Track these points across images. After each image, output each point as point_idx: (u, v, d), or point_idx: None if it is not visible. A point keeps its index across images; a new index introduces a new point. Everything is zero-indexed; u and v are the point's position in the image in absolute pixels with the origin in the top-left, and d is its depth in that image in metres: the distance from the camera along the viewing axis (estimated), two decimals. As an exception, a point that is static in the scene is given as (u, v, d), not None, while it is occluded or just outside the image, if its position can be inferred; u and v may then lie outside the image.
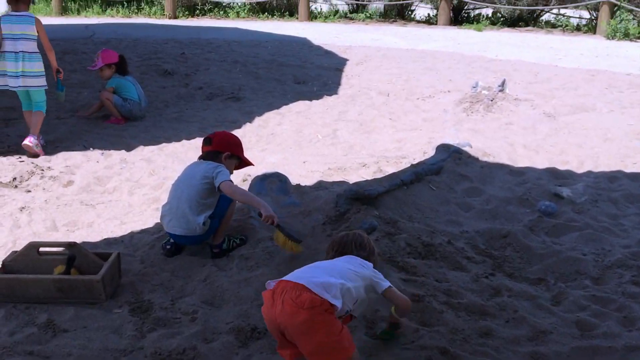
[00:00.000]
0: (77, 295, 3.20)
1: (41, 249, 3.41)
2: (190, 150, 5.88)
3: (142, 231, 4.24)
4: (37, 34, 5.73)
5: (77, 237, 4.14)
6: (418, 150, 5.56)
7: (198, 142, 6.09)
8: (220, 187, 3.58)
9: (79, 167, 5.40)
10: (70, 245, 3.36)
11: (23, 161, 5.42)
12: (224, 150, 3.81)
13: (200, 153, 3.90)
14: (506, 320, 2.99)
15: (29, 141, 5.57)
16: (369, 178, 4.82)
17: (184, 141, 6.19)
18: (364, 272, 2.61)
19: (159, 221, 4.21)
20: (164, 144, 6.10)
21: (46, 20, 14.89)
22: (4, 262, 3.38)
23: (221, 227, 3.74)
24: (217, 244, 3.75)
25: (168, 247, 3.75)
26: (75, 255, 3.32)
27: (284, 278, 2.52)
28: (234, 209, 3.83)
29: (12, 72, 5.62)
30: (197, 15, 16.58)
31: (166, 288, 3.39)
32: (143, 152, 5.89)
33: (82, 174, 5.22)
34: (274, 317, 2.42)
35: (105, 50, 6.97)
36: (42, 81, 5.82)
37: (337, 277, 2.49)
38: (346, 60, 10.30)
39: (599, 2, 13.05)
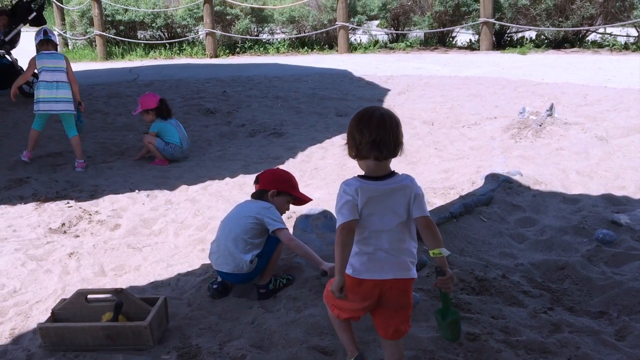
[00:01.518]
0: (125, 342, 3.16)
1: (89, 296, 3.40)
2: (234, 188, 5.87)
3: (189, 273, 4.21)
4: (65, 67, 6.66)
5: (125, 281, 4.13)
6: (466, 180, 5.43)
7: (242, 180, 6.12)
8: (278, 236, 3.59)
9: (125, 210, 5.43)
10: (117, 292, 3.34)
11: (71, 206, 5.48)
12: (270, 189, 3.78)
13: (251, 191, 3.91)
14: (568, 357, 2.83)
15: (80, 167, 6.66)
16: (417, 211, 4.70)
17: (227, 179, 6.19)
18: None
19: (205, 262, 4.20)
20: (208, 183, 6.12)
21: (91, 65, 15.44)
22: (53, 310, 3.37)
23: (268, 267, 3.68)
24: (263, 284, 3.69)
25: (215, 286, 3.70)
26: (123, 302, 3.29)
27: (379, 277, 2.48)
28: (281, 249, 3.78)
29: (48, 97, 6.56)
30: (238, 53, 16.80)
31: (214, 332, 3.33)
32: (187, 192, 5.91)
33: (128, 217, 5.24)
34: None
35: (145, 96, 7.09)
36: (71, 107, 6.70)
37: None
38: (388, 90, 10.25)
39: (646, 20, 12.77)
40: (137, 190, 5.90)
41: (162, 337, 3.27)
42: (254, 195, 3.86)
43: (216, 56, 16.37)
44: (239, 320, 3.41)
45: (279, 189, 3.80)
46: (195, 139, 7.64)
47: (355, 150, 2.50)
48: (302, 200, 3.91)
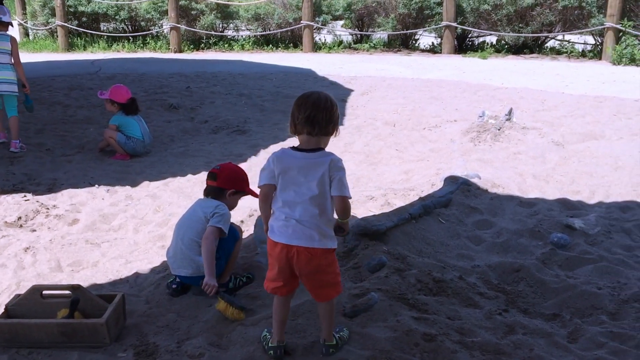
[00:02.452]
0: (81, 339, 3.12)
1: (44, 292, 3.35)
2: (196, 185, 5.84)
3: (148, 270, 4.18)
4: (10, 49, 6.75)
5: (82, 277, 4.08)
6: (426, 182, 5.49)
7: (204, 176, 6.02)
8: (208, 231, 3.52)
9: (84, 204, 5.36)
10: (74, 288, 3.29)
11: (28, 200, 5.38)
12: (229, 188, 3.75)
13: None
14: (522, 359, 2.89)
15: (14, 147, 6.79)
16: (377, 211, 4.76)
17: (189, 176, 6.15)
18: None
19: (164, 259, 4.16)
20: (169, 179, 6.07)
21: (53, 57, 15.17)
22: (7, 306, 3.31)
23: (227, 267, 3.67)
24: (223, 283, 3.68)
25: (174, 286, 3.68)
26: (79, 298, 3.25)
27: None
28: (239, 248, 3.77)
29: None
30: (202, 48, 16.68)
31: (172, 330, 3.31)
32: (149, 188, 5.85)
33: (87, 212, 5.18)
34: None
35: (119, 87, 6.93)
36: (14, 88, 6.80)
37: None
38: (351, 90, 10.30)
39: (604, 28, 13.06)
40: (96, 185, 5.82)
41: (119, 334, 3.24)
42: (209, 193, 3.77)
43: (180, 51, 16.23)
44: (198, 319, 3.40)
45: (238, 188, 3.78)
46: (157, 134, 7.57)
47: (294, 126, 2.78)
48: (251, 195, 3.85)
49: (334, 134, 2.81)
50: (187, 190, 5.73)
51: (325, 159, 2.73)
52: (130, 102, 6.87)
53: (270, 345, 2.91)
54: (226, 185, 3.75)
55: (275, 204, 2.80)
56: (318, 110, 2.71)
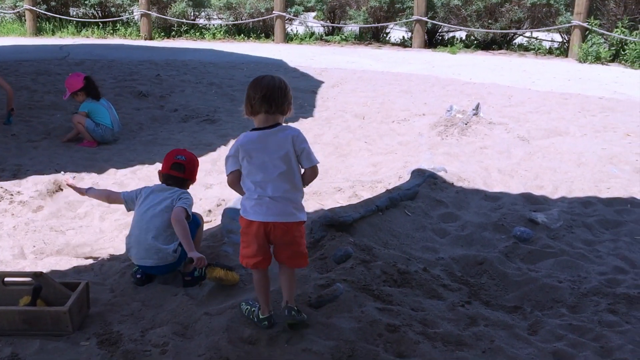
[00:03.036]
0: (43, 327, 3.09)
1: (6, 279, 3.31)
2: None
3: (113, 258, 4.16)
4: None
5: (46, 264, 4.04)
6: (393, 174, 5.54)
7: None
8: (174, 210, 3.54)
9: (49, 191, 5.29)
10: (37, 275, 3.25)
11: (-9, 186, 5.31)
12: (191, 180, 3.84)
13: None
14: (483, 350, 2.94)
15: None
16: (344, 203, 4.79)
17: (157, 164, 6.09)
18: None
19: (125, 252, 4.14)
20: (137, 167, 6.02)
21: (20, 41, 14.91)
22: (-33, 292, 3.27)
23: (191, 254, 3.67)
24: (188, 271, 3.68)
25: (138, 276, 3.66)
26: (42, 286, 3.22)
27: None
28: (202, 233, 3.78)
29: None
30: (173, 36, 16.54)
31: (136, 318, 3.30)
32: (116, 175, 5.80)
33: (52, 199, 5.11)
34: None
35: (69, 78, 6.81)
36: None
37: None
38: (322, 82, 10.32)
39: (571, 26, 13.25)
40: (62, 172, 5.75)
41: (82, 323, 3.22)
42: (173, 182, 3.77)
43: (151, 38, 16.06)
44: (163, 308, 3.39)
45: (194, 179, 3.92)
46: (126, 122, 7.49)
47: (250, 107, 2.92)
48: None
49: (288, 113, 2.96)
50: (155, 179, 5.66)
51: (286, 134, 2.90)
52: (87, 82, 6.75)
53: (261, 317, 3.02)
54: (191, 177, 3.83)
55: (245, 185, 2.93)
56: (273, 90, 2.87)
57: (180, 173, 3.77)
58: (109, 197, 4.00)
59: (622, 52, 12.64)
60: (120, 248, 4.31)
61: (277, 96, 2.88)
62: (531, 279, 3.71)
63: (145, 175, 5.78)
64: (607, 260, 3.98)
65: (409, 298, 3.39)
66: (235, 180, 2.97)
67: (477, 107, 7.46)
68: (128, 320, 3.28)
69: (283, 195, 2.88)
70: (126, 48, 14.03)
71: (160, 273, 3.66)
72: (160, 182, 3.86)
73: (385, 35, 16.52)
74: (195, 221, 3.72)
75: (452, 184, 5.25)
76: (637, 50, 12.16)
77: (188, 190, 3.82)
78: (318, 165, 2.99)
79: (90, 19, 17.34)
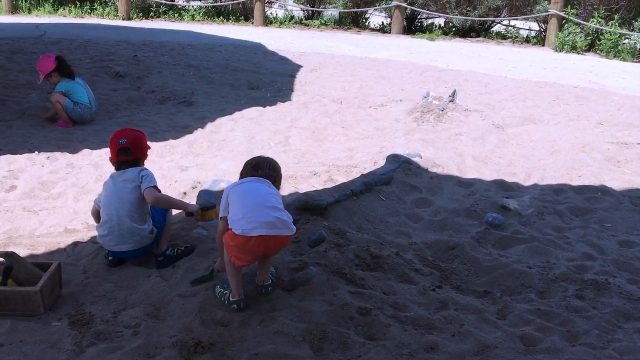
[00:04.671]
0: (14, 307, 3.09)
1: (-23, 259, 3.29)
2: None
3: (87, 239, 4.14)
4: None
5: (18, 245, 4.01)
6: (369, 159, 5.57)
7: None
8: (144, 196, 3.52)
9: (23, 171, 5.25)
10: (8, 255, 3.24)
11: (-37, 165, 5.25)
12: (143, 157, 3.74)
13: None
14: (452, 334, 2.99)
15: None
16: (320, 187, 4.81)
17: (133, 146, 6.07)
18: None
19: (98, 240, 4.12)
20: (112, 149, 5.97)
21: (-6, 18, 14.58)
22: (-62, 272, 3.24)
23: (164, 235, 3.68)
24: (161, 252, 3.68)
25: (110, 258, 3.65)
26: (13, 266, 3.21)
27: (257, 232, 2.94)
28: (171, 216, 3.77)
29: None
30: (152, 17, 16.35)
31: (108, 300, 3.30)
32: (91, 156, 5.77)
33: (25, 179, 5.07)
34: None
35: (40, 60, 6.71)
36: None
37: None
38: (300, 66, 10.30)
39: (548, 15, 13.34)
40: (36, 152, 5.70)
41: (54, 303, 3.22)
42: (122, 166, 3.65)
43: (129, 19, 15.87)
44: (136, 289, 3.40)
45: (146, 152, 3.79)
46: (102, 103, 7.42)
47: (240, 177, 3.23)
48: None
49: (278, 186, 3.25)
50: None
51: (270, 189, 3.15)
52: (59, 62, 6.65)
53: (231, 299, 3.07)
54: (141, 155, 3.71)
55: (235, 217, 3.01)
56: (261, 159, 3.27)
57: (127, 157, 3.64)
58: (96, 213, 3.80)
59: (598, 42, 12.76)
60: (94, 229, 4.29)
61: (265, 166, 3.21)
62: (501, 265, 3.77)
63: (121, 157, 5.74)
64: (576, 246, 4.05)
65: (381, 282, 3.43)
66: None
67: (454, 93, 7.51)
68: (100, 301, 3.28)
69: (280, 215, 3.04)
70: (103, 28, 13.86)
71: (136, 257, 3.65)
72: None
73: (364, 20, 16.49)
74: (161, 212, 3.70)
75: (427, 169, 5.29)
76: (612, 40, 12.29)
77: (144, 165, 3.71)
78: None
79: (67, -3, 17.09)
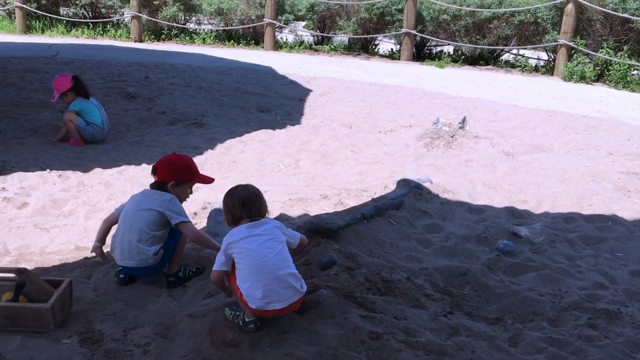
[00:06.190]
0: (25, 323, 3.08)
1: (-11, 275, 3.29)
2: (150, 175, 5.78)
3: (97, 257, 4.13)
4: None
5: (29, 262, 4.02)
6: (379, 184, 5.57)
7: (158, 167, 6.04)
8: (182, 230, 3.58)
9: (34, 188, 5.28)
10: (20, 271, 3.24)
11: (-25, 181, 5.27)
12: (168, 180, 3.68)
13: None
14: (464, 360, 2.97)
15: None
16: (330, 210, 4.81)
17: (144, 165, 6.10)
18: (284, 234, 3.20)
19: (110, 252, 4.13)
20: (123, 168, 6.02)
21: (9, 38, 14.82)
22: (-51, 287, 3.25)
23: (175, 257, 3.68)
24: (172, 273, 3.68)
25: (122, 276, 3.65)
26: (25, 282, 3.21)
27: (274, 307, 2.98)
28: (186, 237, 3.77)
29: None
30: (163, 39, 16.51)
31: (119, 318, 3.30)
32: (102, 175, 5.79)
33: (37, 196, 5.09)
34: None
35: (57, 79, 6.78)
36: None
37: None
38: (310, 90, 10.35)
39: (557, 45, 13.40)
40: (48, 170, 5.73)
41: (64, 320, 3.21)
42: (153, 186, 3.72)
43: (141, 41, 16.03)
44: (146, 308, 3.39)
45: (178, 179, 3.69)
46: (113, 123, 7.47)
47: (232, 216, 3.17)
48: (203, 182, 3.89)
49: (266, 215, 3.25)
50: (141, 179, 5.69)
51: (270, 224, 3.14)
52: (76, 82, 6.72)
53: (247, 320, 3.03)
54: (165, 178, 3.68)
55: (248, 289, 2.99)
56: (250, 196, 3.16)
57: (154, 175, 3.73)
58: (109, 222, 3.83)
59: (607, 73, 12.80)
60: (105, 247, 4.29)
61: (255, 201, 3.16)
62: (513, 292, 3.75)
63: (132, 176, 5.78)
64: (588, 275, 4.03)
65: (392, 306, 3.42)
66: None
67: (464, 120, 7.53)
68: (110, 319, 3.28)
69: (291, 276, 3.08)
70: (115, 49, 14.00)
71: (142, 275, 3.65)
72: None
73: (374, 46, 16.60)
74: (174, 235, 3.70)
75: (437, 195, 5.29)
76: (621, 71, 12.32)
77: (172, 194, 3.70)
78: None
79: (81, 19, 17.26)
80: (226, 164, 6.38)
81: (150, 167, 5.91)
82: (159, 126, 7.77)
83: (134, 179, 5.69)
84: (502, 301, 3.69)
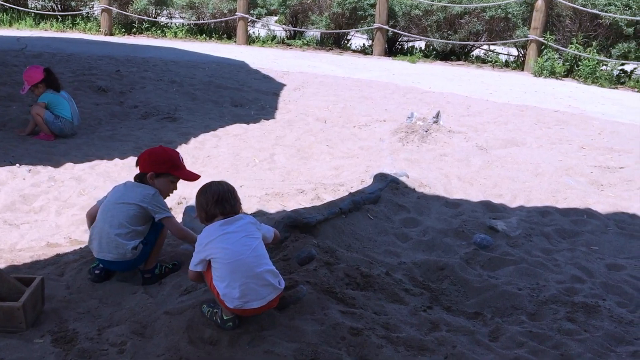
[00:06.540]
0: (-4, 323, 3.00)
1: (-42, 273, 3.19)
2: (123, 170, 5.71)
3: (69, 254, 4.04)
4: None
5: (-2, 259, 3.92)
6: (355, 178, 5.55)
7: (132, 161, 5.94)
8: (165, 225, 3.51)
9: (3, 183, 5.15)
10: (-10, 269, 3.15)
11: (-58, 176, 5.13)
12: (148, 171, 3.56)
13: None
14: (445, 356, 2.95)
15: None
16: (307, 205, 4.77)
17: (116, 160, 6.00)
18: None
19: (86, 244, 4.04)
20: (95, 162, 5.91)
21: (-26, 31, 14.41)
22: None
23: (153, 253, 3.59)
24: (149, 269, 3.60)
25: (97, 272, 3.56)
26: (-5, 280, 3.12)
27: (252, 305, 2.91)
28: (166, 234, 3.69)
29: None
30: (134, 33, 16.27)
31: (93, 316, 3.22)
32: (73, 170, 5.68)
33: (6, 192, 4.97)
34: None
35: (28, 70, 6.64)
36: None
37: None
38: (284, 85, 10.29)
39: (527, 40, 13.51)
40: (17, 165, 5.60)
41: (36, 319, 3.13)
42: (135, 178, 3.64)
43: (111, 34, 15.78)
44: (121, 306, 3.32)
45: (158, 170, 3.57)
46: (84, 117, 7.33)
47: (205, 213, 3.07)
48: (187, 179, 3.71)
49: (240, 211, 3.14)
50: (113, 174, 5.59)
51: (244, 220, 3.06)
52: (47, 74, 6.58)
53: (225, 317, 2.97)
54: (145, 169, 3.58)
55: (225, 289, 2.91)
56: (224, 193, 3.07)
57: (137, 166, 3.64)
58: (93, 215, 3.66)
59: (576, 68, 12.93)
60: (77, 243, 4.21)
61: (229, 198, 3.07)
62: (491, 286, 3.75)
63: (104, 171, 5.67)
64: (565, 269, 4.05)
65: (371, 302, 3.39)
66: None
67: (438, 115, 7.54)
68: (84, 317, 3.20)
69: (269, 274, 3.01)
70: (85, 42, 13.76)
71: (119, 269, 3.57)
72: None
73: (346, 41, 16.57)
74: (155, 230, 3.61)
75: (414, 189, 5.28)
76: (590, 67, 12.46)
77: (167, 185, 3.63)
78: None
79: (49, 11, 16.95)
80: (200, 159, 6.30)
81: (123, 161, 5.90)
82: (131, 120, 7.64)
83: (107, 174, 5.58)
84: (481, 295, 3.69)
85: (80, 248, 4.11)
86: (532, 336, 3.19)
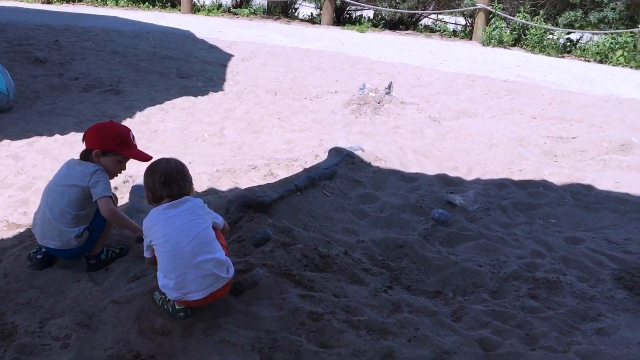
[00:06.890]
0: None
1: None
2: (64, 146, 5.41)
3: (7, 239, 3.78)
4: None
5: None
6: (309, 152, 5.39)
7: (73, 137, 5.66)
8: (98, 206, 3.22)
9: None
10: None
11: None
12: (94, 148, 3.29)
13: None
14: (408, 339, 2.84)
15: None
16: (260, 181, 4.60)
17: (57, 136, 5.69)
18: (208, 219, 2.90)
19: (27, 228, 3.80)
20: (34, 139, 5.59)
21: None
22: None
23: (100, 239, 3.35)
24: (94, 254, 3.38)
25: (39, 256, 3.31)
26: None
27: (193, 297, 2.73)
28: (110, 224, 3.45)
29: None
30: (73, 1, 15.64)
31: (34, 308, 3.00)
32: (10, 147, 5.36)
33: None
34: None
35: None
36: None
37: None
38: (231, 55, 10.01)
39: (476, 9, 13.49)
40: (-53, 143, 5.26)
41: (-29, 313, 2.90)
42: (81, 155, 3.36)
43: (49, 2, 15.15)
44: (64, 295, 3.10)
45: (105, 147, 3.29)
46: (21, 90, 6.94)
47: (152, 194, 2.90)
48: (138, 158, 3.40)
49: (191, 192, 2.97)
50: (54, 151, 5.29)
51: (191, 202, 2.88)
52: None
53: (177, 307, 2.81)
54: (91, 145, 3.30)
55: (164, 279, 2.77)
56: (172, 173, 2.89)
57: (83, 142, 3.36)
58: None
59: (524, 37, 13.00)
60: (15, 227, 3.95)
61: (178, 179, 2.89)
62: (451, 263, 3.66)
63: (43, 148, 5.37)
64: (525, 243, 3.99)
65: (331, 283, 3.26)
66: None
67: (390, 86, 7.42)
68: (24, 309, 2.98)
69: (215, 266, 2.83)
70: (22, 11, 13.14)
71: (64, 257, 3.33)
72: None
73: (294, 10, 16.29)
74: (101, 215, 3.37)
75: (369, 163, 5.16)
76: (538, 36, 12.54)
77: (114, 164, 3.35)
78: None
79: (-21, -23, 16.13)
80: (147, 134, 6.03)
81: (64, 137, 5.59)
82: (71, 93, 7.28)
83: (46, 151, 5.28)
84: (441, 273, 3.60)
85: (20, 233, 3.85)
86: (496, 315, 3.11)
